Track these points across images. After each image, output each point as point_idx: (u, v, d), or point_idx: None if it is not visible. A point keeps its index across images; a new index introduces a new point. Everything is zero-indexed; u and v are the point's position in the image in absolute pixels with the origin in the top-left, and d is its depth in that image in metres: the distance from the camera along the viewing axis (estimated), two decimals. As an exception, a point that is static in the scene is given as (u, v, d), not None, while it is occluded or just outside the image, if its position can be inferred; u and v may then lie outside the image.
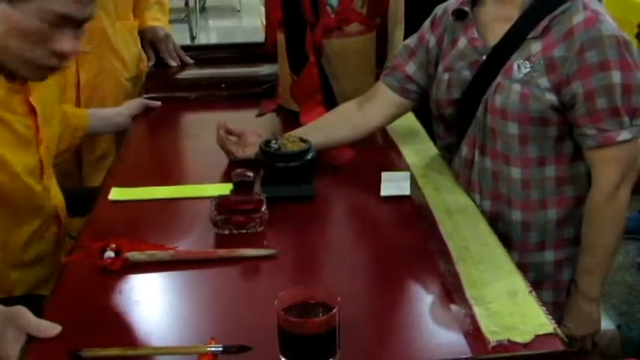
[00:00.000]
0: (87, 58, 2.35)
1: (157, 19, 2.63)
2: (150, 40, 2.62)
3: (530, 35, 1.69)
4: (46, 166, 1.79)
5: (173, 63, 2.63)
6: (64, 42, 1.42)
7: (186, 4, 7.83)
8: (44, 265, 1.81)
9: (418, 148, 2.06)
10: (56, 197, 1.86)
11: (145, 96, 2.42)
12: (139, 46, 2.59)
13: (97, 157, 2.42)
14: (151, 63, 2.63)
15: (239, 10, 9.36)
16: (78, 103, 2.38)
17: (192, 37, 7.77)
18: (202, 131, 2.17)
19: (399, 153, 2.05)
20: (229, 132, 1.95)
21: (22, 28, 1.39)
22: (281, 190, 1.74)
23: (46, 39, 1.41)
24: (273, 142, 1.81)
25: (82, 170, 2.40)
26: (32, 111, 1.72)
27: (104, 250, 1.47)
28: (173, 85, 2.53)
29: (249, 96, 2.44)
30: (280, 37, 2.26)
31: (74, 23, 1.43)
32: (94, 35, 2.35)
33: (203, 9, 9.15)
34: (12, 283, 1.75)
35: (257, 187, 1.75)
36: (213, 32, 8.92)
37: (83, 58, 2.33)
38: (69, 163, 2.30)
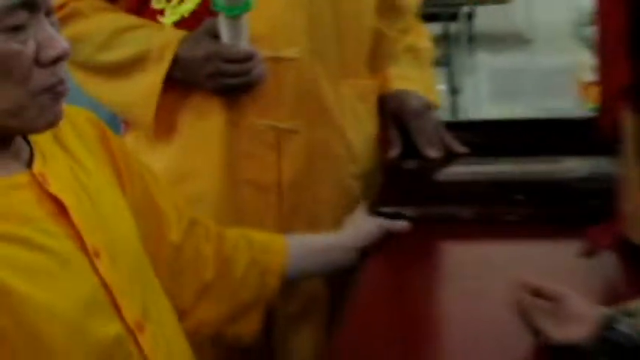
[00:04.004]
0: (291, 139, 1.52)
1: (408, 79, 1.69)
2: (394, 113, 1.67)
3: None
4: (120, 293, 1.06)
5: (433, 153, 1.66)
6: None
7: (446, 34, 5.29)
8: None
9: None
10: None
11: (381, 209, 1.53)
12: (377, 121, 1.67)
13: (299, 311, 1.54)
14: (395, 152, 1.67)
15: (530, 40, 6.41)
16: (279, 212, 1.55)
17: (453, 91, 5.21)
18: (481, 278, 1.39)
19: None
20: (538, 293, 1.20)
21: None
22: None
23: None
24: (621, 319, 1.10)
25: (273, 331, 1.52)
26: (61, 210, 1.05)
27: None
28: (432, 192, 1.65)
29: (559, 216, 1.55)
30: (630, 117, 1.31)
31: None
32: (303, 102, 1.51)
33: (470, 38, 6.39)
34: None
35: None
36: (482, 73, 6.94)
37: (285, 138, 1.51)
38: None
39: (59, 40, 1.00)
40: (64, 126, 1.11)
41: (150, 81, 1.46)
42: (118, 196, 1.16)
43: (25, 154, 1.05)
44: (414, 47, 1.72)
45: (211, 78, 1.45)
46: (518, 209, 1.58)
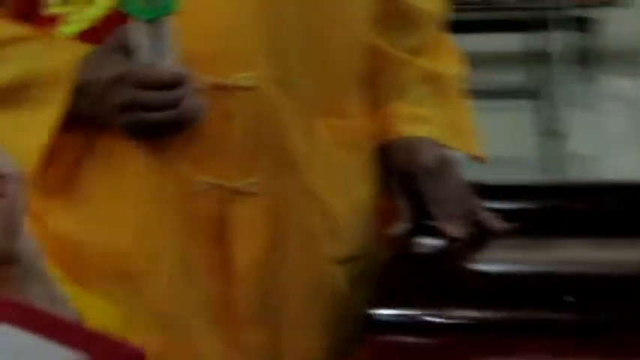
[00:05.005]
0: (243, 205, 1.11)
1: (422, 120, 1.22)
2: (402, 171, 1.21)
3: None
4: None
5: (457, 231, 1.18)
6: None
7: (530, 49, 3.93)
8: None
9: None
10: None
11: (377, 312, 1.07)
12: (373, 182, 1.21)
13: None
14: (402, 228, 1.20)
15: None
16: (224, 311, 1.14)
17: (549, 133, 3.72)
18: None
19: None
20: None
21: None
22: None
23: None
24: None
25: None
26: None
27: None
28: (454, 287, 1.18)
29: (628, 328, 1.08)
30: None
31: None
32: (260, 151, 1.11)
33: (585, 55, 4.43)
34: None
35: None
36: (607, 104, 4.19)
37: (234, 204, 1.10)
38: None
39: None
40: None
41: (43, 115, 1.05)
42: None
43: None
44: (434, 74, 1.22)
45: (124, 111, 1.04)
46: (563, 316, 1.11)
